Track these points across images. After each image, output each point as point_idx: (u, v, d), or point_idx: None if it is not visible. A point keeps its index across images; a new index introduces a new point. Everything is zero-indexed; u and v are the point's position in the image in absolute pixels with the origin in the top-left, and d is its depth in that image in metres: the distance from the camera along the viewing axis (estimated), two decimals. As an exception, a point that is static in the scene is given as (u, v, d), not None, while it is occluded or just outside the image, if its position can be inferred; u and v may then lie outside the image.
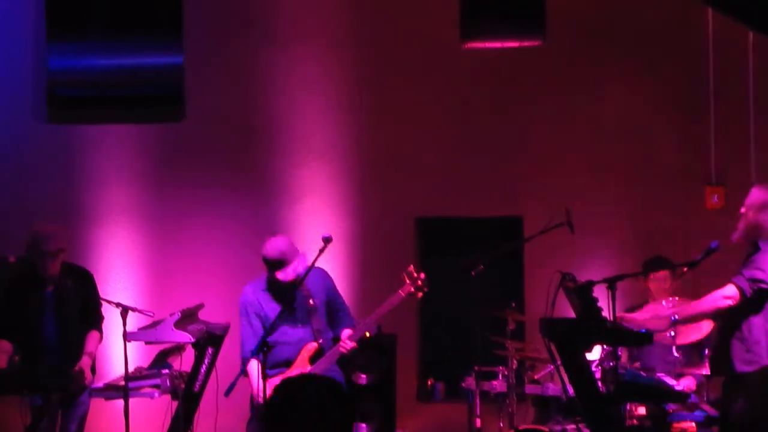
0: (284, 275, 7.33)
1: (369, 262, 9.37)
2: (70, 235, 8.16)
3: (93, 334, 7.87)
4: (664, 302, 7.12)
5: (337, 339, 7.47)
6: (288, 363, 7.42)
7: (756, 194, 6.44)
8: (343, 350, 7.38)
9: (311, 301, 7.45)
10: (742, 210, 6.49)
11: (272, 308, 7.40)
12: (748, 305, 6.26)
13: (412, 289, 7.46)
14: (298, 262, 7.36)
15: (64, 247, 7.80)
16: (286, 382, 4.00)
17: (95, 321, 7.92)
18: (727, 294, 6.24)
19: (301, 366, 7.37)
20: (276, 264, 7.33)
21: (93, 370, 7.85)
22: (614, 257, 9.15)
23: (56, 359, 7.76)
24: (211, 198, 9.38)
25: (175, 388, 7.76)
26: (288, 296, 7.36)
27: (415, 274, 7.47)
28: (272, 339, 7.36)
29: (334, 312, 7.56)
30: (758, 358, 6.32)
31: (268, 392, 7.21)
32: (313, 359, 7.40)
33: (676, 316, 6.43)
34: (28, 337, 7.79)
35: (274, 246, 7.41)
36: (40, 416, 7.60)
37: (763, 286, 6.22)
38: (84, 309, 7.88)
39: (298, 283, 7.35)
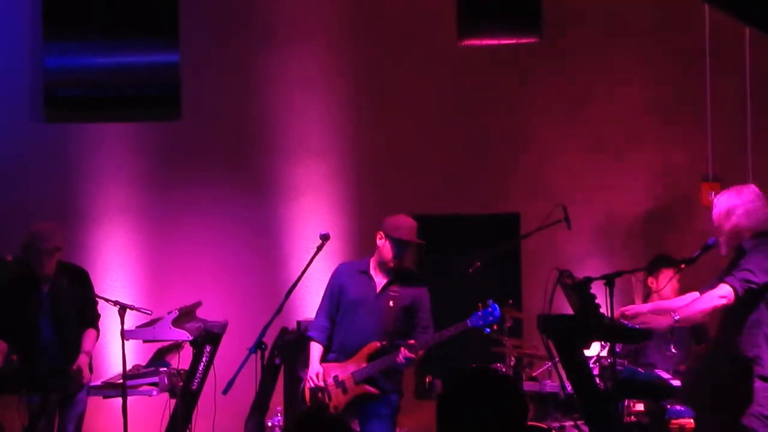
0: (401, 234, 7.30)
1: (366, 260, 9.38)
2: (67, 234, 8.17)
3: (90, 333, 7.88)
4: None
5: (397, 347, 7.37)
6: (345, 350, 7.40)
7: (719, 204, 6.54)
8: (401, 360, 7.32)
9: (391, 302, 7.41)
10: (715, 224, 6.56)
11: (356, 291, 7.39)
12: (743, 306, 6.32)
13: (481, 323, 7.44)
14: (415, 238, 7.36)
15: (61, 246, 7.81)
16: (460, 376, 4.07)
17: (92, 319, 7.93)
18: (722, 293, 6.30)
19: (357, 362, 7.32)
20: (395, 228, 7.31)
21: (90, 368, 7.86)
22: (611, 254, 9.16)
23: (53, 358, 7.77)
24: (209, 196, 9.38)
25: (173, 386, 7.78)
26: (377, 283, 7.39)
27: (490, 309, 7.45)
28: (342, 321, 7.38)
29: (414, 327, 7.45)
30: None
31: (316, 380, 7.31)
32: (371, 358, 7.35)
33: (678, 316, 6.46)
34: (24, 336, 7.79)
35: (398, 216, 7.46)
36: (39, 415, 7.61)
37: (753, 286, 6.30)
38: (80, 308, 7.89)
39: (399, 267, 7.37)
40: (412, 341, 7.31)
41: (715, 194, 8.89)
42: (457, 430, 3.91)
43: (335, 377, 7.30)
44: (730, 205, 6.47)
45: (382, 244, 7.35)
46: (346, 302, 7.40)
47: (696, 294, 6.64)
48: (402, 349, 7.24)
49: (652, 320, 6.53)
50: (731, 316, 6.36)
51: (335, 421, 4.41)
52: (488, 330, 7.42)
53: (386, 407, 7.40)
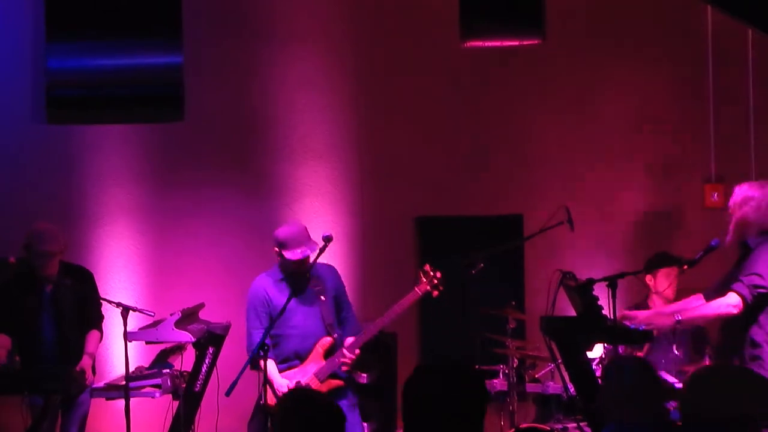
0: (293, 254, 7.32)
1: (369, 261, 9.37)
2: (67, 235, 8.16)
3: (93, 334, 7.89)
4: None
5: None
6: (298, 356, 7.43)
7: (737, 192, 6.59)
8: (346, 360, 7.39)
9: (322, 297, 7.46)
10: (729, 211, 6.58)
11: (282, 300, 7.41)
12: (750, 311, 6.33)
13: (429, 288, 7.47)
14: (308, 246, 7.35)
15: (61, 248, 7.80)
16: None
17: (95, 320, 7.93)
18: (731, 302, 6.32)
19: (315, 360, 7.39)
20: (284, 243, 7.33)
21: (93, 369, 7.87)
22: (614, 255, 9.15)
23: (56, 359, 7.78)
24: (211, 197, 9.37)
25: (176, 388, 7.77)
26: (299, 286, 7.38)
27: (431, 273, 7.48)
28: (281, 332, 7.41)
29: (339, 312, 7.57)
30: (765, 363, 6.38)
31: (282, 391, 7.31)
32: (328, 354, 7.42)
33: (680, 317, 6.47)
34: (27, 337, 7.80)
35: (284, 227, 7.51)
36: (41, 417, 7.61)
37: (762, 291, 6.29)
38: (83, 309, 7.89)
39: (307, 270, 7.35)
40: (350, 339, 7.42)
41: (718, 195, 8.98)
42: (419, 420, 3.98)
43: (297, 383, 7.35)
44: (749, 194, 6.50)
45: (281, 259, 7.40)
46: (279, 313, 7.42)
47: (699, 296, 6.65)
48: (346, 349, 7.38)
49: (655, 320, 6.54)
50: (742, 321, 6.36)
51: (322, 399, 4.48)
52: (436, 293, 7.46)
53: (353, 396, 7.53)
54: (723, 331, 6.61)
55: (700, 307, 6.50)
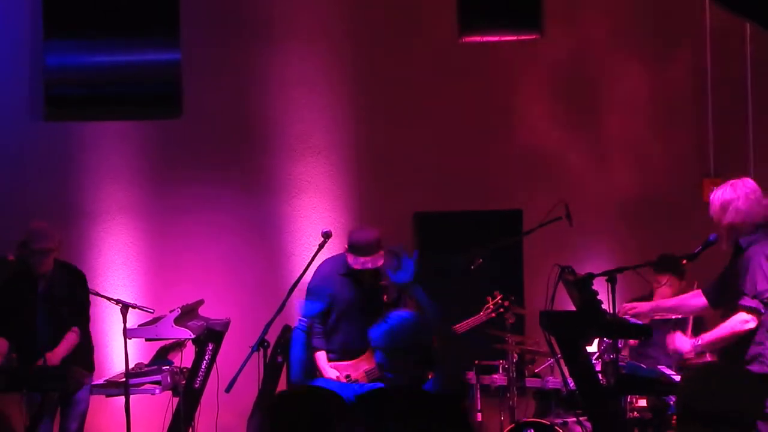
0: (354, 261, 7.31)
1: (368, 257, 9.36)
2: (65, 233, 8.16)
3: (70, 336, 7.78)
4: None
5: None
6: (349, 352, 7.41)
7: (714, 200, 6.58)
8: None
9: (385, 297, 7.44)
10: (714, 220, 6.59)
11: (345, 293, 7.39)
12: None
13: (494, 315, 7.62)
14: (373, 259, 7.32)
15: (55, 247, 7.78)
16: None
17: (78, 320, 7.84)
18: (745, 319, 6.33)
19: (369, 361, 7.37)
20: (351, 247, 7.32)
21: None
22: (613, 250, 9.16)
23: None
24: (210, 194, 9.37)
25: (175, 385, 7.78)
26: (363, 282, 7.39)
27: (500, 300, 7.59)
28: (340, 324, 7.41)
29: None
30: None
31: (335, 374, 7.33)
32: None
33: (699, 342, 6.51)
34: (22, 334, 7.79)
35: (359, 232, 7.47)
36: (40, 414, 7.61)
37: None
38: (73, 308, 7.87)
39: (373, 275, 7.37)
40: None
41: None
42: None
43: (347, 376, 7.34)
44: (725, 199, 6.50)
45: (347, 256, 7.40)
46: (339, 307, 7.42)
47: (698, 292, 6.67)
48: None
49: (674, 344, 6.57)
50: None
51: (311, 394, 4.47)
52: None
53: None
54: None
55: (717, 329, 6.50)
